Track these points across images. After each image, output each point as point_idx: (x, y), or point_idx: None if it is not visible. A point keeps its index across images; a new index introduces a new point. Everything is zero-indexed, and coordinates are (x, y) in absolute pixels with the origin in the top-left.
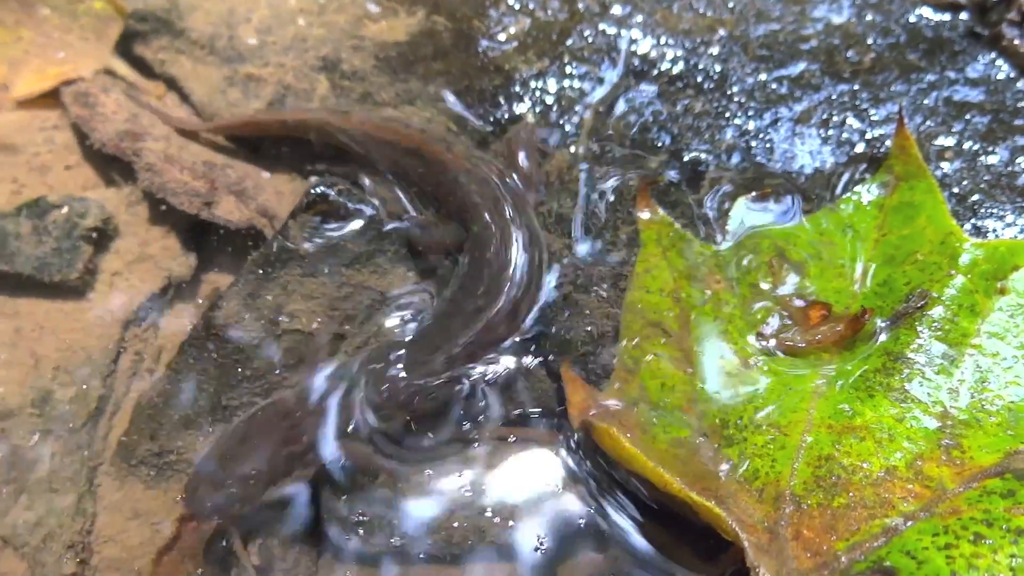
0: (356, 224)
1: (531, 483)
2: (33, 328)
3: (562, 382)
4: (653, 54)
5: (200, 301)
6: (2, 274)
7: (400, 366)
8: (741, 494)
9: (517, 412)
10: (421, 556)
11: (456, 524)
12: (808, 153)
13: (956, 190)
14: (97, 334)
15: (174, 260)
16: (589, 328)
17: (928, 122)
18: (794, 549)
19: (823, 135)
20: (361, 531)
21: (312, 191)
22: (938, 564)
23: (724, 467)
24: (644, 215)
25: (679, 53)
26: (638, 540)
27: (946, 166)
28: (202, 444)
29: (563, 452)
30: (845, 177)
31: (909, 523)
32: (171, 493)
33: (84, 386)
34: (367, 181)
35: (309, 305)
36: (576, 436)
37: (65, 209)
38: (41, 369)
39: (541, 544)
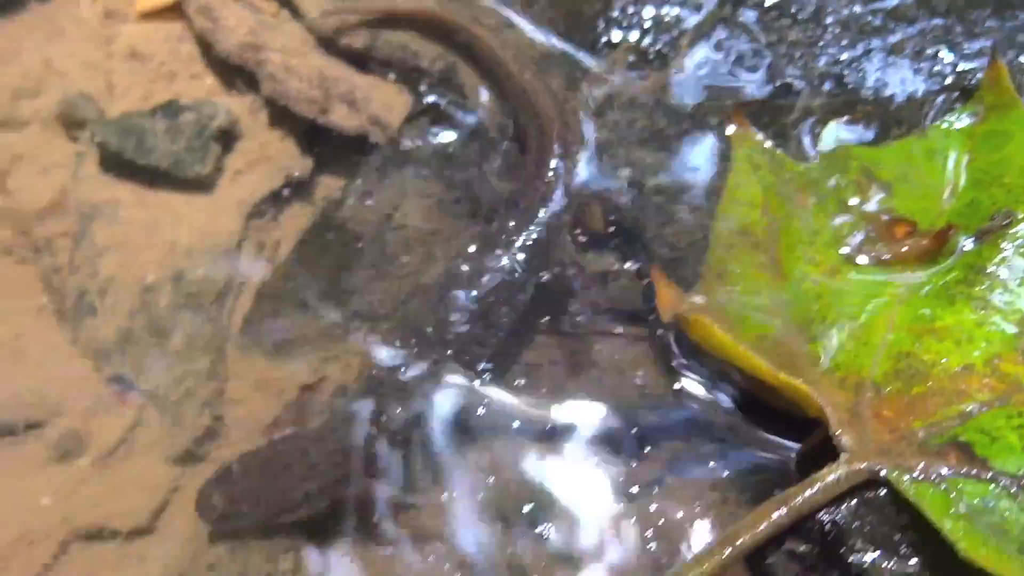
0: (463, 132)
1: (620, 377)
2: (168, 217)
3: (653, 282)
4: None
5: (315, 199)
6: (142, 167)
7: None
8: (824, 382)
9: (609, 309)
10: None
11: (551, 414)
12: (900, 82)
13: None
14: (223, 224)
15: (292, 161)
16: (678, 237)
17: (1020, 58)
18: (874, 426)
19: (915, 66)
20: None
21: (423, 100)
22: (1011, 440)
23: (808, 361)
24: (737, 133)
25: None
26: (722, 429)
27: None
28: (318, 324)
29: (652, 346)
30: (935, 106)
31: (984, 409)
32: (289, 367)
33: (213, 269)
34: (478, 92)
35: (418, 203)
36: (665, 330)
37: (196, 111)
38: (175, 253)
39: (631, 432)
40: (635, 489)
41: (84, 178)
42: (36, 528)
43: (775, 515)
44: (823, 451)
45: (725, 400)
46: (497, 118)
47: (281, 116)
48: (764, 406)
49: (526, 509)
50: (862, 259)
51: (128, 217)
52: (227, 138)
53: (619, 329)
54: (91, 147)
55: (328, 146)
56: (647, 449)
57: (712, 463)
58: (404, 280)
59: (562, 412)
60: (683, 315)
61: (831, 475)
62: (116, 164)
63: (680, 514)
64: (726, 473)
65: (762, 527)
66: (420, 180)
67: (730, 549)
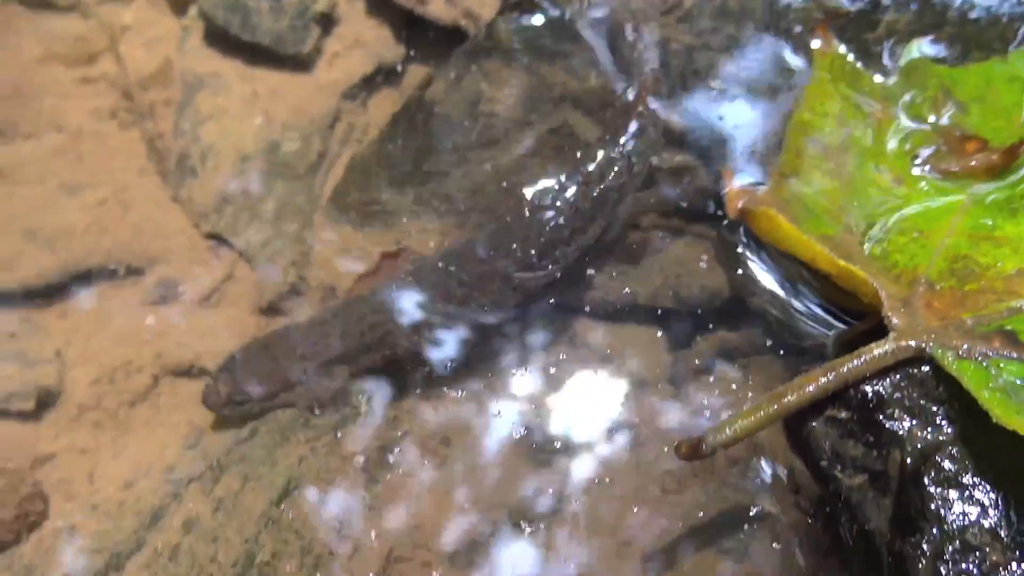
0: (554, 26)
1: (686, 268)
2: (267, 92)
3: (722, 179)
4: None
5: (404, 87)
6: (244, 44)
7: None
8: (880, 275)
9: (677, 202)
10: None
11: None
12: (985, 7)
13: None
14: (319, 102)
15: (386, 49)
16: (750, 138)
17: None
18: (924, 313)
19: None
20: None
21: None
22: None
23: (866, 258)
24: (820, 45)
25: None
26: (774, 321)
27: None
28: (401, 200)
29: (715, 244)
30: (1019, 34)
31: None
32: (372, 236)
33: (307, 142)
34: None
35: (505, 92)
36: (729, 228)
37: None
38: (272, 125)
39: (685, 319)
40: (685, 373)
41: (189, 51)
42: (134, 360)
43: (822, 380)
44: (867, 340)
45: (781, 294)
46: (588, 13)
47: (379, 4)
48: (819, 300)
49: (576, 389)
50: (930, 171)
51: (229, 89)
52: (326, 22)
53: (685, 225)
54: (197, 21)
55: (421, 36)
56: (699, 337)
57: (762, 352)
58: (485, 166)
59: (621, 299)
60: (750, 208)
61: (879, 349)
62: (220, 39)
63: (727, 400)
64: (773, 362)
65: (808, 389)
66: (509, 71)
67: (776, 406)
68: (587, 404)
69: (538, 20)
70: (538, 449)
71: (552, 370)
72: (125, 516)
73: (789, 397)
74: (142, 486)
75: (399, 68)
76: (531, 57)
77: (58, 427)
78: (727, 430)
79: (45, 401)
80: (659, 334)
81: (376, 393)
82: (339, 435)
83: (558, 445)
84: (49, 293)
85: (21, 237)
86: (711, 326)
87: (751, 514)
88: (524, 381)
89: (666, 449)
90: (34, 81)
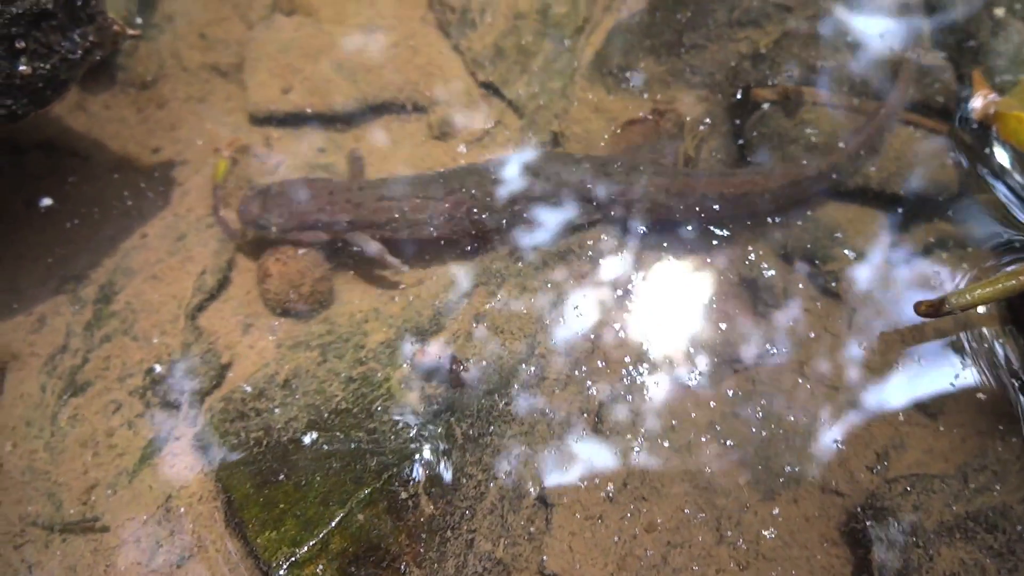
0: None
1: (923, 161)
2: None
3: (967, 82)
4: None
5: None
6: None
7: None
8: None
9: (919, 101)
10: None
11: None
12: None
13: None
14: None
15: None
16: (1006, 48)
17: None
18: None
19: None
20: None
21: None
22: None
23: None
24: None
25: None
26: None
27: None
28: (657, 69)
29: (951, 136)
30: None
31: None
32: (625, 100)
33: (574, 6)
34: None
35: None
36: (965, 127)
37: None
38: None
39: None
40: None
41: None
42: None
43: None
44: None
45: (1018, 192)
46: None
47: None
48: None
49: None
50: None
51: None
52: None
53: (921, 120)
54: None
55: None
56: (923, 223)
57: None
58: (740, 45)
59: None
60: (1001, 111)
61: None
62: None
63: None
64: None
65: None
66: None
67: (1014, 282)
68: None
69: None
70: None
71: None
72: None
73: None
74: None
75: None
76: None
77: None
78: (967, 295)
79: None
80: (884, 217)
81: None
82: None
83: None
84: (349, 119)
85: (330, 68)
86: (934, 216)
87: (952, 385)
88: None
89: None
90: None
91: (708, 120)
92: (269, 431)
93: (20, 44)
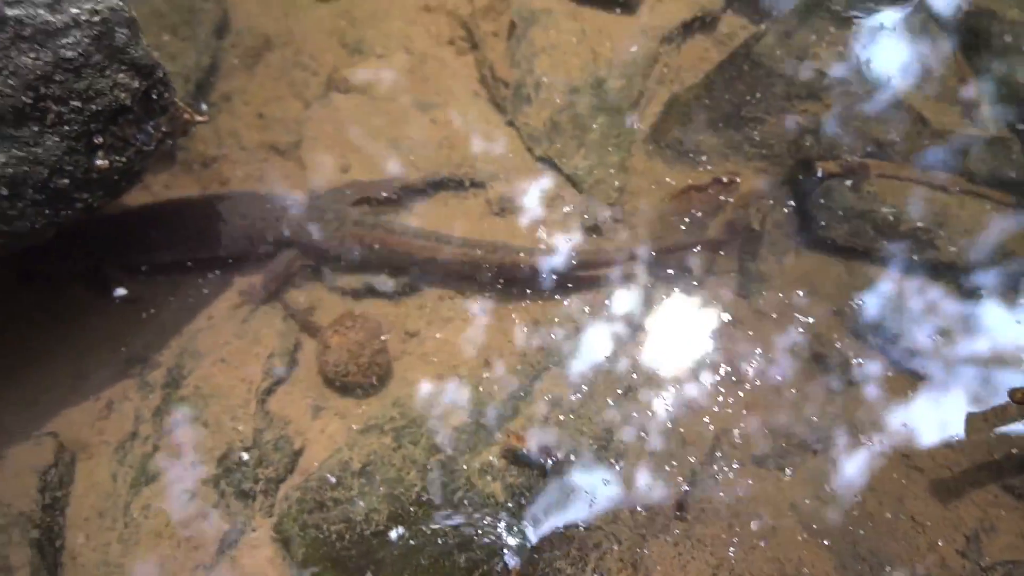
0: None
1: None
2: (594, 30)
3: None
4: None
5: (719, 34)
6: None
7: None
8: None
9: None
10: None
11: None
12: None
13: None
14: (641, 44)
15: None
16: None
17: None
18: None
19: None
20: None
21: None
22: None
23: None
24: None
25: None
26: None
27: None
28: (715, 141)
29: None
30: None
31: None
32: (685, 172)
33: (629, 81)
34: None
35: (831, 51)
36: None
37: None
38: (598, 62)
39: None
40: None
41: None
42: None
43: None
44: None
45: None
46: None
47: None
48: None
49: None
50: None
51: (560, 26)
52: None
53: (989, 192)
54: None
55: None
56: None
57: None
58: (800, 118)
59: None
60: None
61: None
62: None
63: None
64: None
65: None
66: (840, 32)
67: None
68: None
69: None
70: None
71: None
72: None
73: None
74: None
75: (717, 16)
76: (864, 13)
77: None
78: None
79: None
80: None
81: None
82: None
83: None
84: (407, 196)
85: (386, 145)
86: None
87: None
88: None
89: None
90: (384, 7)
91: (768, 192)
92: (351, 524)
93: (98, 139)
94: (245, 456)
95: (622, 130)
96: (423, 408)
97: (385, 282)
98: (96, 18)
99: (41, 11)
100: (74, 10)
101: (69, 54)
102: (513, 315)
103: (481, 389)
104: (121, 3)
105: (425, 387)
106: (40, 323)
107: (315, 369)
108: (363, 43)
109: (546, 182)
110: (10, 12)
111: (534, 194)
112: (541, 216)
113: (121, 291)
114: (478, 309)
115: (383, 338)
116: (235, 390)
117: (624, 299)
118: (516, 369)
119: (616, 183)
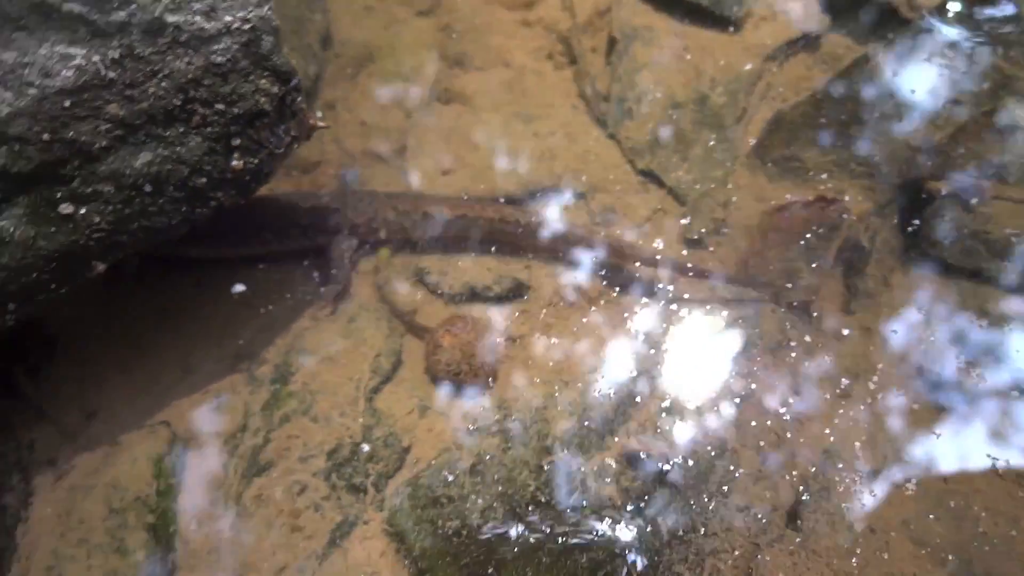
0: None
1: None
2: (696, 47)
3: None
4: None
5: (823, 52)
6: (682, 2)
7: None
8: None
9: None
10: None
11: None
12: None
13: None
14: (744, 61)
15: (811, 19)
16: None
17: None
18: None
19: None
20: None
21: None
22: None
23: None
24: None
25: None
26: None
27: None
28: (821, 159)
29: None
30: None
31: None
32: (788, 189)
33: (733, 97)
34: None
35: (935, 82)
36: None
37: None
38: (701, 79)
39: None
40: None
41: (626, 4)
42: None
43: None
44: None
45: None
46: None
47: None
48: None
49: None
50: None
51: (662, 42)
52: None
53: None
54: None
55: (850, 11)
56: None
57: None
58: (905, 138)
59: None
60: None
61: None
62: None
63: None
64: None
65: None
66: (944, 62)
67: None
68: None
69: (989, 11)
70: None
71: None
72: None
73: None
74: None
75: (820, 37)
76: (974, 44)
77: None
78: None
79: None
80: None
81: None
82: None
83: None
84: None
85: (490, 155)
86: None
87: None
88: None
89: None
90: (483, 21)
91: (875, 211)
92: (466, 520)
93: (236, 141)
94: (360, 449)
95: (726, 145)
96: (531, 411)
97: (488, 289)
98: (247, 26)
99: (198, 18)
100: (228, 18)
101: (219, 59)
102: (624, 321)
103: (590, 393)
104: (270, 12)
105: (532, 390)
106: (151, 318)
107: (420, 369)
108: (463, 56)
109: (648, 194)
110: (170, 19)
111: (636, 206)
112: (644, 227)
113: (240, 287)
114: (582, 315)
115: (499, 340)
116: (343, 388)
117: (739, 311)
118: (626, 374)
119: (719, 197)
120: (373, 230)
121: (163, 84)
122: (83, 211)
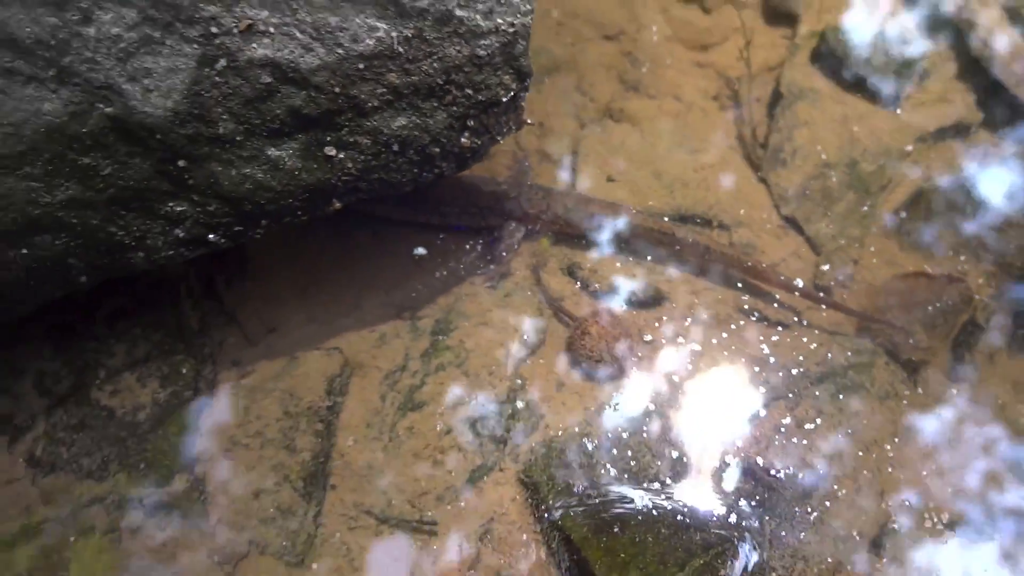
0: None
1: None
2: (855, 116)
3: None
4: None
5: (971, 141)
6: (845, 74)
7: None
8: None
9: None
10: None
11: None
12: None
13: None
14: (897, 138)
15: (966, 110)
16: None
17: None
18: None
19: None
20: None
21: None
22: None
23: None
24: None
25: None
26: None
27: None
28: (955, 239)
29: None
30: None
31: None
32: (916, 259)
33: (881, 168)
34: None
35: None
36: None
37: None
38: (855, 145)
39: None
40: None
41: (796, 64)
42: (722, 297)
43: None
44: None
45: None
46: None
47: (971, 71)
48: None
49: None
50: None
51: (824, 106)
52: (922, 75)
53: None
54: (808, 41)
55: (1001, 107)
56: None
57: None
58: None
59: None
60: None
61: None
62: (826, 63)
63: None
64: None
65: None
66: None
67: None
68: None
69: None
70: None
71: None
72: None
73: None
74: None
75: (971, 128)
76: None
77: (661, 320)
78: None
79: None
80: None
81: None
82: None
83: None
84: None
85: (651, 175)
86: None
87: None
88: None
89: None
90: (662, 54)
91: (995, 295)
92: (595, 483)
93: (470, 123)
94: (503, 407)
95: (867, 210)
96: (658, 405)
97: (633, 293)
98: (511, 29)
99: (478, 16)
100: (500, 20)
101: (482, 53)
102: (757, 343)
103: (713, 402)
104: (530, 21)
105: (660, 388)
106: (332, 259)
107: (560, 350)
108: (639, 82)
109: (787, 239)
110: (458, 12)
111: (774, 246)
112: (777, 266)
113: (421, 250)
114: (721, 330)
115: (637, 339)
116: (493, 351)
117: (857, 357)
118: (751, 390)
119: (852, 253)
120: (542, 221)
121: (434, 65)
122: (342, 156)
